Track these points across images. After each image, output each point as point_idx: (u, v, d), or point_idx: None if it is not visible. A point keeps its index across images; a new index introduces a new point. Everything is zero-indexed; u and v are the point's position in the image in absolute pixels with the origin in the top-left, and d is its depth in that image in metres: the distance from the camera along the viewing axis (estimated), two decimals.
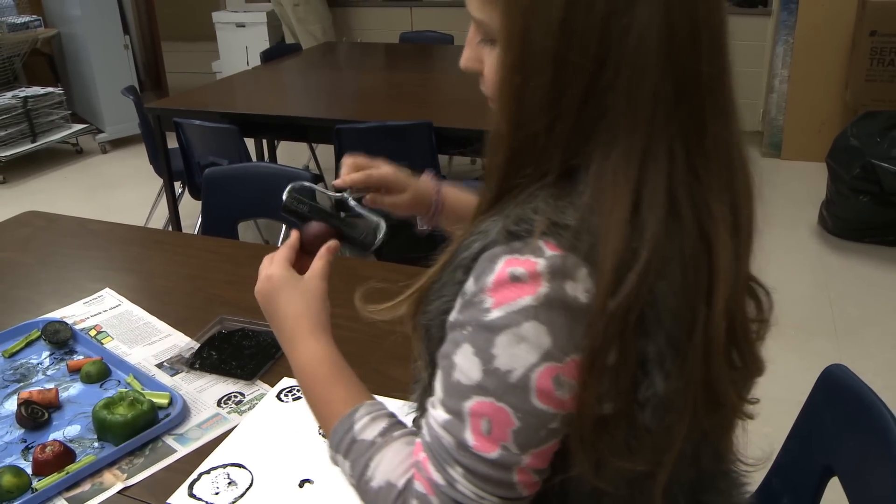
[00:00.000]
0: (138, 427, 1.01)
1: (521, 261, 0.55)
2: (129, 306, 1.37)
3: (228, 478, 0.95)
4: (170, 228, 3.09)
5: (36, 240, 1.70)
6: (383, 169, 0.91)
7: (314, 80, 3.60)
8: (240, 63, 5.17)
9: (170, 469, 0.97)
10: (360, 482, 0.66)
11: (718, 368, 0.58)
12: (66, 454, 0.97)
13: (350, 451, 0.67)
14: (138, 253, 1.65)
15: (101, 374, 1.16)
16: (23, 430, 1.05)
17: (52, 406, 1.09)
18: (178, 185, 3.12)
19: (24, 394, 1.10)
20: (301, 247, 0.82)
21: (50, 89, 4.62)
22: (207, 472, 0.96)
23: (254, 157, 3.39)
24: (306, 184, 0.88)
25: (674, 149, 0.56)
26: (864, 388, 0.91)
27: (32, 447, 1.00)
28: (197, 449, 1.01)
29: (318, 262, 0.80)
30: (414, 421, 0.73)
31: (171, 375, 1.17)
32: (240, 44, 5.37)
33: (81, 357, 1.22)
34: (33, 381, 1.17)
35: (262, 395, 1.11)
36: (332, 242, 0.82)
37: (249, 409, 1.08)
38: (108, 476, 0.96)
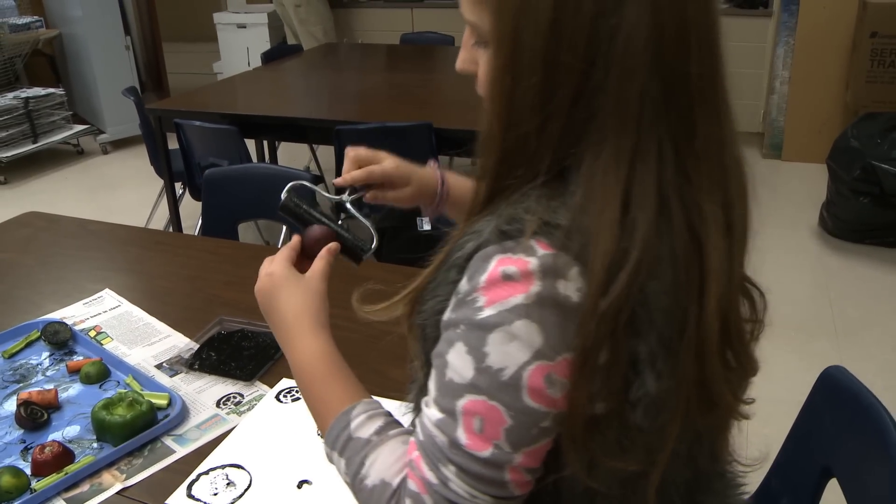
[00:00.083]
0: (137, 428, 1.01)
1: (513, 260, 0.56)
2: (128, 307, 1.38)
3: (227, 478, 0.95)
4: (170, 229, 3.09)
5: (36, 240, 1.70)
6: (386, 164, 0.91)
7: (315, 80, 3.60)
8: (241, 64, 5.18)
9: (168, 470, 0.97)
10: (354, 480, 0.66)
11: (712, 368, 0.58)
12: (65, 455, 0.98)
13: (346, 449, 0.67)
14: (138, 254, 1.66)
15: (100, 374, 1.16)
16: (22, 431, 1.05)
17: (52, 407, 1.10)
18: (178, 186, 3.13)
19: (24, 394, 1.10)
20: (301, 249, 0.83)
21: (51, 90, 4.62)
22: (206, 472, 0.96)
23: (254, 158, 3.40)
24: (306, 184, 0.88)
25: (663, 149, 0.56)
26: (863, 389, 0.91)
27: (31, 448, 1.00)
28: (196, 450, 1.01)
29: (319, 263, 0.80)
30: (412, 421, 0.74)
31: (171, 376, 1.17)
32: (241, 44, 5.38)
33: (81, 358, 1.22)
34: (33, 381, 1.17)
35: (261, 396, 1.11)
36: (332, 244, 0.82)
37: (248, 409, 1.08)
38: (106, 477, 0.96)
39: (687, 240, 0.56)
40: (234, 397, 1.11)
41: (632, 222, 0.55)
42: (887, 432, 0.85)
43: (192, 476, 0.96)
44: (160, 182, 3.15)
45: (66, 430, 1.05)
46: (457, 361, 0.59)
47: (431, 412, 0.61)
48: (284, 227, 2.41)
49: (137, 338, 1.28)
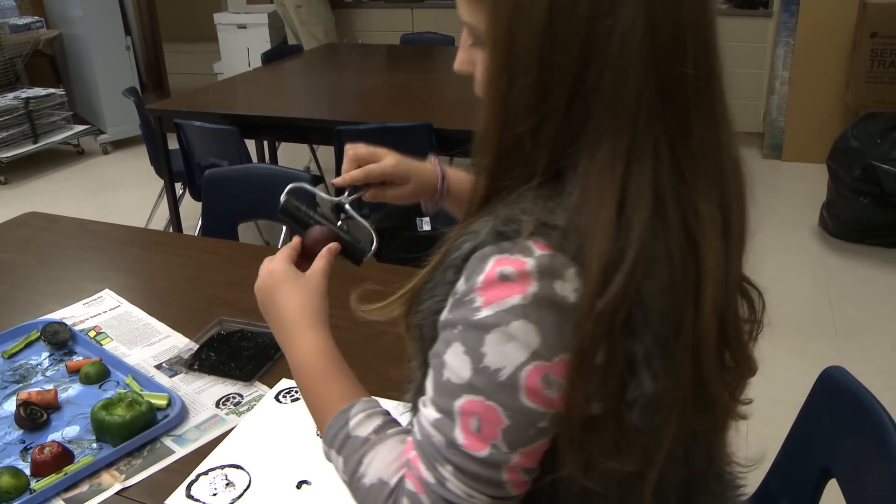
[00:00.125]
0: (137, 428, 1.01)
1: (510, 260, 0.56)
2: (128, 307, 1.38)
3: (226, 479, 0.95)
4: (171, 229, 3.09)
5: (36, 241, 1.70)
6: (385, 162, 0.90)
7: (315, 81, 3.60)
8: (241, 64, 5.18)
9: (168, 470, 0.97)
10: (352, 479, 0.66)
11: (708, 369, 0.58)
12: (64, 455, 0.98)
13: (344, 447, 0.67)
14: (138, 254, 1.66)
15: (100, 375, 1.16)
16: (21, 431, 1.05)
17: (51, 407, 1.10)
18: (178, 187, 3.13)
19: (24, 395, 1.10)
20: (301, 251, 0.83)
21: (51, 90, 4.62)
22: (205, 473, 0.96)
23: (254, 159, 3.40)
24: (305, 186, 0.88)
25: (659, 149, 0.56)
26: (863, 389, 0.91)
27: (31, 448, 1.00)
28: (195, 450, 1.01)
29: (320, 262, 0.80)
30: (409, 421, 0.74)
31: (170, 376, 1.17)
32: (241, 45, 5.38)
33: (80, 358, 1.22)
34: (32, 381, 1.17)
35: (260, 397, 1.11)
36: (332, 244, 0.82)
37: (248, 410, 1.08)
38: (106, 477, 0.96)
39: (682, 240, 0.56)
40: (234, 398, 1.11)
41: (627, 222, 0.55)
42: (887, 433, 0.85)
43: (192, 476, 0.96)
44: (160, 182, 3.15)
45: (65, 431, 1.05)
46: (454, 362, 0.59)
47: (429, 412, 0.61)
48: (284, 228, 2.41)
49: (137, 338, 1.28)
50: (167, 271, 1.54)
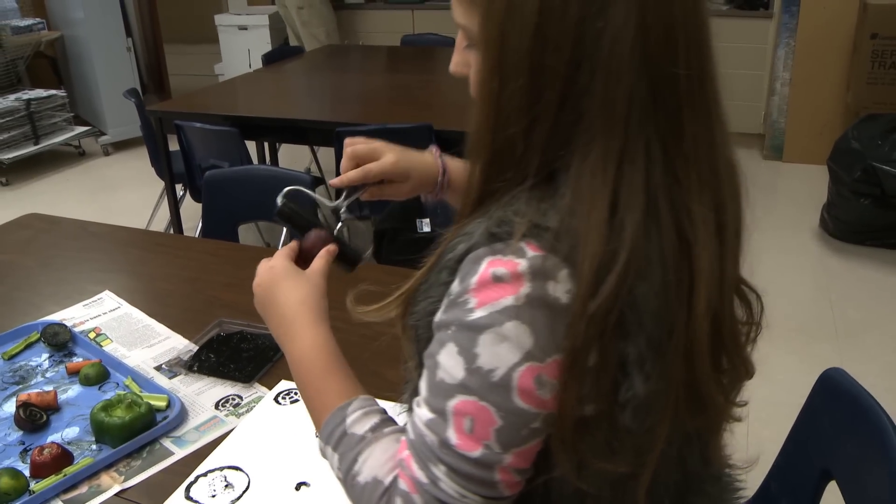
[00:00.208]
0: (136, 429, 1.01)
1: (503, 261, 0.56)
2: (128, 309, 1.38)
3: (225, 480, 0.95)
4: (171, 231, 3.09)
5: (36, 242, 1.70)
6: (384, 160, 0.89)
7: (315, 82, 3.60)
8: (242, 65, 5.18)
9: (167, 471, 0.97)
10: (346, 476, 0.66)
11: (702, 371, 0.58)
12: (63, 456, 0.98)
13: (340, 444, 0.67)
14: (138, 255, 1.66)
15: (99, 376, 1.16)
16: (21, 433, 1.06)
17: (51, 408, 1.10)
18: (179, 188, 3.13)
19: (23, 396, 1.10)
20: (299, 254, 0.83)
21: (53, 92, 4.63)
22: (204, 474, 0.96)
23: (255, 160, 3.40)
24: (303, 189, 0.87)
25: (651, 151, 0.56)
26: (862, 391, 0.91)
27: (30, 449, 1.00)
28: (194, 451, 1.01)
29: (319, 262, 0.81)
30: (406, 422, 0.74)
31: (170, 378, 1.17)
32: (242, 46, 5.38)
33: (80, 359, 1.22)
34: (32, 383, 1.17)
35: (259, 398, 1.11)
36: (331, 246, 0.83)
37: (247, 411, 1.08)
38: (105, 478, 0.96)
39: (675, 241, 0.57)
40: (233, 399, 1.11)
41: (619, 223, 0.55)
42: (886, 434, 0.84)
43: (191, 478, 0.96)
44: (161, 184, 3.15)
45: (65, 432, 1.05)
46: (448, 362, 0.59)
47: (422, 412, 0.61)
48: (284, 230, 2.41)
49: (137, 339, 1.28)
50: (167, 273, 1.54)
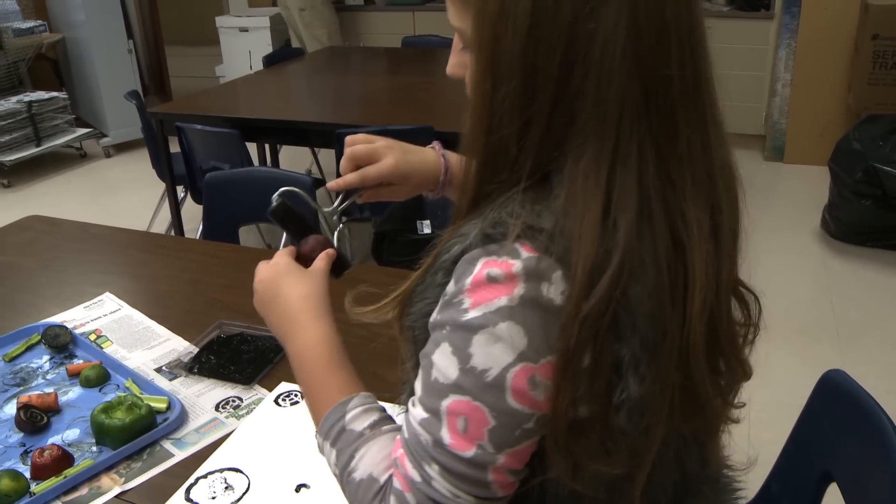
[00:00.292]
0: (136, 431, 1.01)
1: (498, 262, 0.56)
2: (128, 310, 1.38)
3: (225, 482, 0.95)
4: (172, 232, 3.10)
5: (38, 244, 1.70)
6: (383, 164, 0.88)
7: (316, 84, 3.60)
8: (243, 67, 5.19)
9: (167, 473, 0.97)
10: (343, 472, 0.66)
11: (698, 373, 0.58)
12: (64, 458, 0.98)
13: (338, 440, 0.67)
14: (139, 257, 1.66)
15: (100, 378, 1.16)
16: (22, 434, 1.06)
17: (52, 410, 1.10)
18: (180, 190, 3.13)
19: (24, 398, 1.10)
20: (297, 257, 0.83)
21: (54, 94, 4.64)
22: (204, 476, 0.96)
23: (255, 162, 3.40)
24: (298, 191, 0.87)
25: (644, 153, 0.56)
26: (863, 393, 0.91)
27: (31, 451, 1.00)
28: (194, 453, 1.01)
29: (320, 262, 0.81)
30: None
31: (170, 380, 1.17)
32: (243, 48, 5.39)
33: (81, 361, 1.22)
34: (33, 385, 1.17)
35: (259, 400, 1.11)
36: (329, 250, 0.83)
37: (247, 413, 1.08)
38: (105, 480, 0.97)
39: (669, 243, 0.57)
40: (233, 401, 1.11)
41: (613, 225, 0.55)
42: (887, 436, 0.84)
43: (191, 480, 0.96)
44: (162, 185, 3.15)
45: (65, 434, 1.06)
46: (442, 362, 0.59)
47: (417, 411, 0.61)
48: (285, 232, 2.42)
49: (137, 341, 1.28)
50: (168, 274, 1.54)
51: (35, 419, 1.06)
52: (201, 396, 1.13)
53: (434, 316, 0.61)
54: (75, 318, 1.36)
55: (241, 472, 0.97)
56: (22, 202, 4.05)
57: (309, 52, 4.58)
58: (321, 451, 0.70)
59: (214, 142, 2.73)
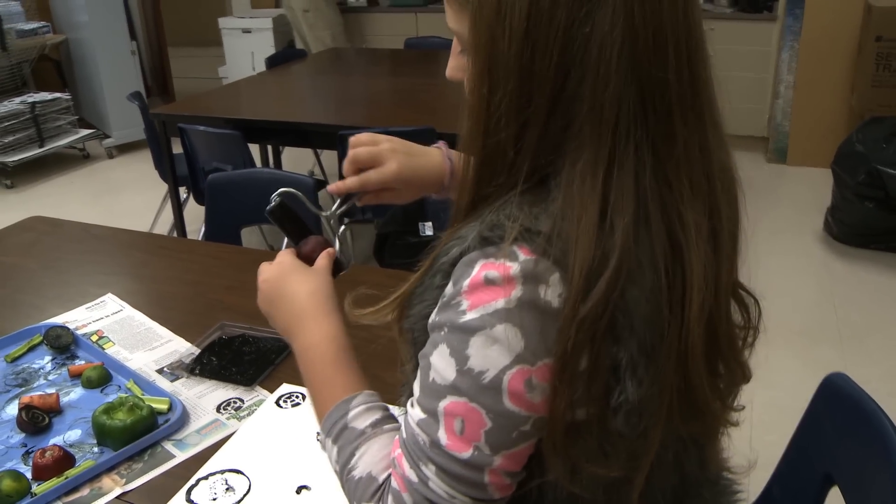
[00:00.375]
0: (137, 432, 1.01)
1: (495, 265, 0.56)
2: (130, 311, 1.38)
3: (226, 484, 0.95)
4: (174, 233, 3.10)
5: (40, 244, 1.71)
6: (385, 169, 0.86)
7: (318, 85, 3.61)
8: (245, 68, 5.20)
9: (168, 474, 0.98)
10: (343, 470, 0.67)
11: (696, 375, 0.58)
12: (65, 459, 0.98)
13: (339, 437, 0.68)
14: (141, 258, 1.66)
15: (101, 379, 1.16)
16: (23, 435, 1.06)
17: (53, 411, 1.10)
18: (183, 191, 3.14)
19: (26, 398, 1.10)
20: (297, 257, 0.84)
21: (57, 95, 4.65)
22: (205, 477, 0.96)
23: (258, 163, 3.41)
24: (298, 194, 0.87)
25: (642, 155, 0.56)
26: (865, 396, 0.91)
27: (32, 452, 1.00)
28: (195, 454, 1.01)
29: (322, 261, 0.82)
30: None
31: (172, 381, 1.17)
32: (246, 49, 5.40)
33: (83, 362, 1.23)
34: (35, 385, 1.18)
35: (261, 402, 1.11)
36: (330, 249, 0.83)
37: (248, 415, 1.08)
38: (106, 481, 0.97)
39: (667, 246, 0.56)
40: (235, 402, 1.11)
41: (610, 228, 0.55)
42: (889, 439, 0.84)
43: (192, 481, 0.96)
44: (165, 186, 3.16)
45: (67, 435, 1.06)
46: (440, 363, 0.59)
47: (415, 412, 0.62)
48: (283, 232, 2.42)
49: (139, 342, 1.28)
50: (170, 275, 1.54)
51: (37, 420, 1.06)
52: (203, 398, 1.13)
53: (432, 317, 0.61)
54: (77, 318, 1.36)
55: (241, 473, 0.97)
56: (25, 203, 4.06)
57: (313, 52, 4.59)
58: (323, 447, 0.70)
59: (217, 143, 2.73)
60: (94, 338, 1.30)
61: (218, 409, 1.10)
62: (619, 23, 0.54)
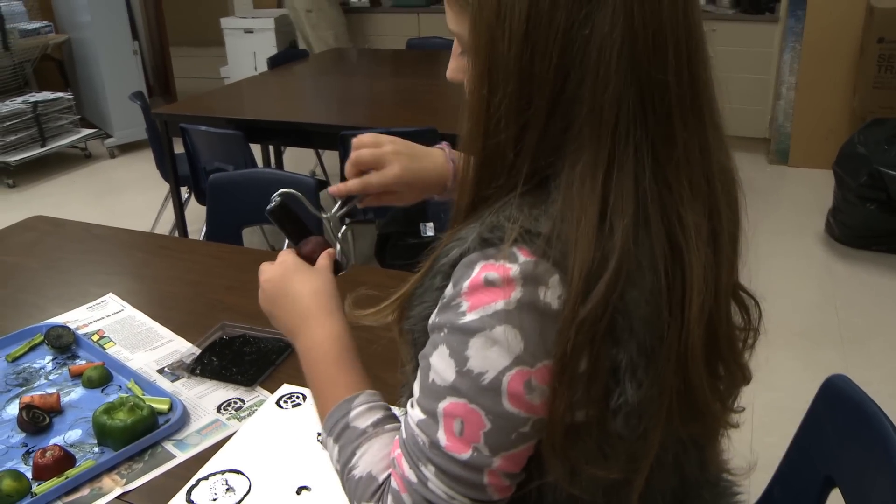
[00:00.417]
0: (138, 432, 1.01)
1: (495, 266, 0.56)
2: (131, 311, 1.38)
3: (226, 484, 0.95)
4: (176, 233, 3.10)
5: (41, 244, 1.71)
6: (388, 172, 0.86)
7: (320, 85, 3.61)
8: (247, 68, 5.20)
9: (168, 475, 0.98)
10: (343, 469, 0.67)
11: (696, 377, 0.58)
12: (66, 459, 0.98)
13: (341, 437, 0.68)
14: (142, 258, 1.66)
15: (102, 379, 1.16)
16: (24, 435, 1.06)
17: (54, 410, 1.10)
18: (184, 191, 3.14)
19: (26, 398, 1.10)
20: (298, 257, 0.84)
21: (59, 94, 4.66)
22: (206, 478, 0.96)
23: (260, 163, 3.41)
24: (298, 195, 0.87)
25: (641, 157, 0.56)
26: (866, 398, 0.91)
27: (33, 451, 1.00)
28: (196, 455, 1.01)
29: (323, 260, 0.82)
30: None
31: (172, 381, 1.17)
32: (247, 49, 5.40)
33: (83, 362, 1.23)
34: (35, 385, 1.18)
35: (261, 402, 1.11)
36: (330, 249, 0.83)
37: (249, 415, 1.08)
38: (107, 481, 0.97)
39: (667, 247, 0.56)
40: (235, 403, 1.11)
41: (609, 230, 0.55)
42: (890, 442, 0.84)
43: (192, 481, 0.96)
44: (166, 186, 3.16)
45: (67, 434, 1.06)
46: (439, 364, 0.59)
47: (415, 412, 0.62)
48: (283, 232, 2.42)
49: (140, 342, 1.28)
50: (171, 276, 1.54)
51: (37, 419, 1.06)
52: (203, 398, 1.13)
53: (432, 318, 0.61)
54: (78, 318, 1.36)
55: (242, 473, 0.97)
56: (26, 202, 4.07)
57: (315, 53, 4.59)
58: (324, 446, 0.70)
59: (218, 143, 2.73)
60: (95, 338, 1.30)
61: (218, 410, 1.10)
62: (619, 24, 0.54)
